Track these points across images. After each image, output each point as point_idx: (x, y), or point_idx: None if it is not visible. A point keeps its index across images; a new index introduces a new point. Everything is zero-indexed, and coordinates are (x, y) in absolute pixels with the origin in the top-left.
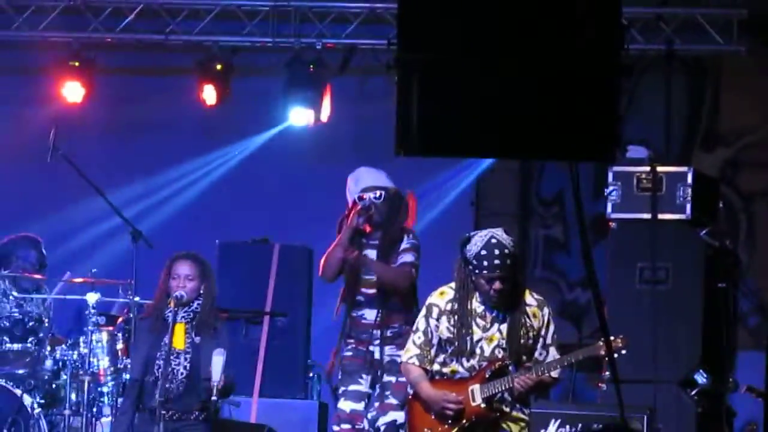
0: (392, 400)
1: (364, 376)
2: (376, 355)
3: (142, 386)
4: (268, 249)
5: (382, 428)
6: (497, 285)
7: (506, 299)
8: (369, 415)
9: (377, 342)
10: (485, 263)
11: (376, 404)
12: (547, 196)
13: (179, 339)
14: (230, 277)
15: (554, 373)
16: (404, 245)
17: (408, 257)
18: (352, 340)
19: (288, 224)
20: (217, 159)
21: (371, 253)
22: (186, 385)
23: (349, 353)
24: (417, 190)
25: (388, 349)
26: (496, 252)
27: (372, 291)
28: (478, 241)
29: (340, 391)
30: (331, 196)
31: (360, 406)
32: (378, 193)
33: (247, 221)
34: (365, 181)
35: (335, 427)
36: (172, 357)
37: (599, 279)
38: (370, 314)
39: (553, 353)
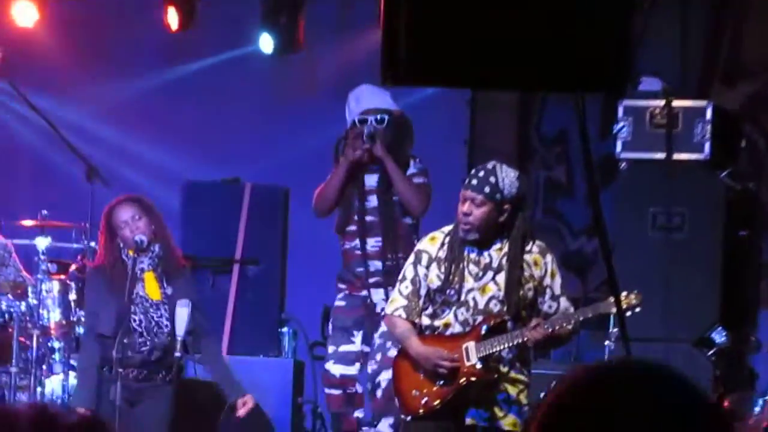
0: (394, 352)
1: (355, 332)
2: (374, 298)
3: (117, 342)
4: (239, 189)
5: (383, 384)
6: (464, 206)
7: (479, 233)
8: (369, 368)
9: (374, 280)
10: (466, 180)
11: (377, 356)
12: (549, 134)
13: (153, 289)
14: (196, 222)
15: (569, 326)
16: (411, 170)
17: (419, 179)
18: (344, 285)
19: (261, 162)
20: (179, 87)
21: (371, 180)
22: (169, 341)
23: (342, 303)
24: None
25: (388, 291)
26: (481, 173)
27: (373, 218)
28: (479, 166)
29: (330, 351)
30: (309, 133)
31: (352, 369)
32: (380, 116)
33: (215, 158)
34: (367, 101)
35: (326, 389)
36: (151, 310)
37: (607, 226)
38: (369, 244)
39: (565, 304)
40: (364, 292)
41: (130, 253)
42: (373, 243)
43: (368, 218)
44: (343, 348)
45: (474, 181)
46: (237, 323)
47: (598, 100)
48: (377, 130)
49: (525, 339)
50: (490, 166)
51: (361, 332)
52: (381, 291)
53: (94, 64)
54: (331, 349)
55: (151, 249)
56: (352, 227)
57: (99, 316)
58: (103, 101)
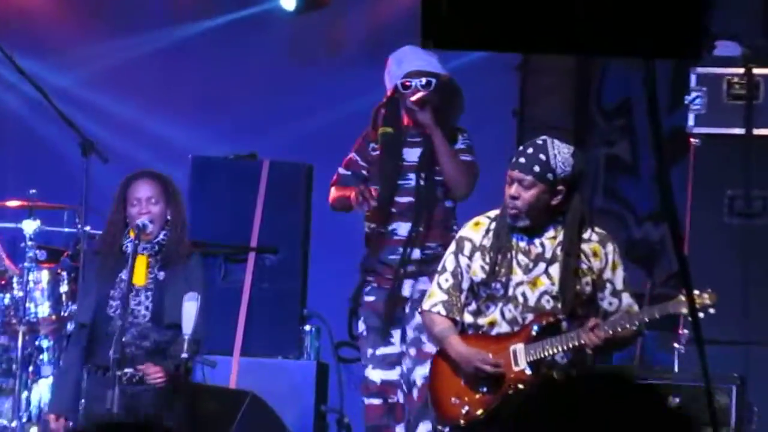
0: (430, 347)
1: (393, 331)
2: (405, 292)
3: (92, 335)
4: (256, 166)
5: (420, 382)
6: (512, 189)
7: (530, 218)
8: (404, 366)
9: (407, 270)
10: (513, 158)
11: (412, 351)
12: (611, 105)
13: (139, 273)
14: (206, 203)
15: (633, 327)
16: (459, 145)
17: (467, 157)
18: (371, 277)
19: (280, 136)
20: (186, 50)
21: (412, 154)
22: (150, 331)
23: (371, 298)
24: None
25: (422, 283)
26: (530, 150)
27: (408, 200)
28: (528, 141)
29: (368, 354)
30: (335, 101)
31: (394, 374)
32: (425, 80)
33: (228, 131)
34: (411, 64)
35: (365, 399)
36: (130, 296)
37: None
38: (402, 229)
39: (628, 301)
40: (396, 284)
41: (131, 234)
42: (408, 228)
43: (403, 199)
44: (382, 350)
45: (522, 160)
46: (252, 320)
47: (667, 67)
48: (422, 91)
49: (581, 342)
50: (540, 141)
51: (399, 330)
52: (410, 282)
53: (89, 23)
54: (368, 352)
55: (156, 234)
56: (391, 209)
57: (83, 304)
58: (101, 65)
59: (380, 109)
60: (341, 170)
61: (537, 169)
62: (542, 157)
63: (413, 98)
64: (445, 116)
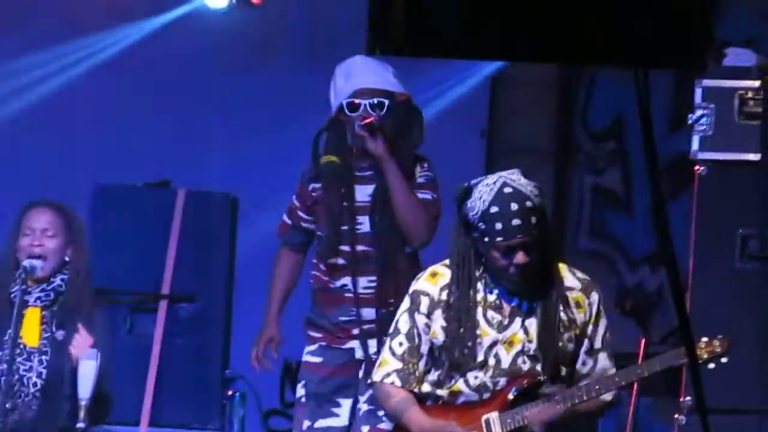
0: (387, 425)
1: (341, 401)
2: (358, 354)
3: None
4: (169, 196)
5: None
6: (520, 257)
7: (533, 280)
8: None
9: (367, 328)
10: (498, 226)
11: (364, 429)
12: (599, 126)
13: (31, 332)
14: (109, 239)
15: (607, 395)
16: (418, 179)
17: (427, 196)
18: (319, 334)
19: (199, 161)
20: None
21: (364, 192)
22: (40, 404)
23: (316, 359)
24: None
25: (379, 344)
26: (514, 206)
27: (366, 248)
28: (484, 192)
29: (305, 427)
30: (269, 121)
31: None
32: (376, 100)
33: (136, 155)
34: (361, 79)
35: None
36: (19, 360)
37: (679, 253)
38: (360, 283)
39: (604, 363)
40: (351, 344)
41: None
42: (365, 283)
43: (359, 248)
44: (322, 423)
45: (516, 222)
46: (163, 382)
47: (669, 78)
48: (373, 115)
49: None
50: (508, 189)
51: (350, 401)
52: (375, 342)
53: None
54: (305, 424)
55: (50, 280)
56: (340, 260)
57: None
58: None
59: (321, 134)
60: (284, 218)
61: (534, 221)
62: (528, 204)
63: (362, 123)
64: (401, 145)
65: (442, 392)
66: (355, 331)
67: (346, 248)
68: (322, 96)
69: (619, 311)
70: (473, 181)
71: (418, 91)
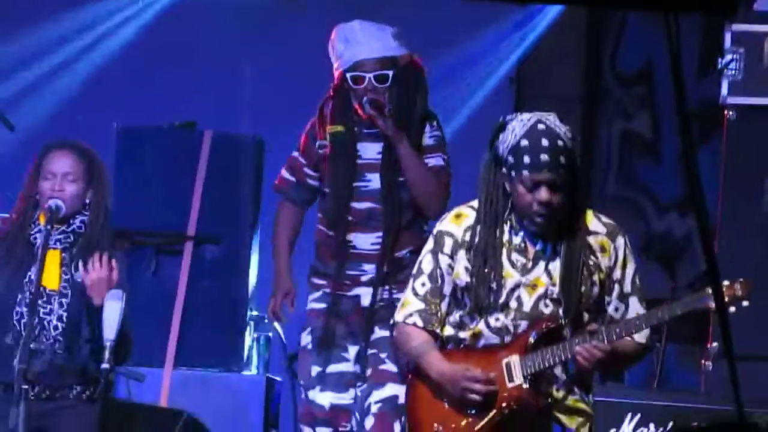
0: (390, 366)
1: (348, 346)
2: (364, 301)
3: None
4: (195, 138)
5: (376, 408)
6: (544, 194)
7: (558, 221)
8: (357, 391)
9: (369, 278)
10: (526, 159)
11: (367, 371)
12: (628, 70)
13: (51, 274)
14: (134, 182)
15: (640, 337)
16: (427, 140)
17: (438, 160)
18: (323, 281)
19: (224, 102)
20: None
21: (370, 150)
22: (61, 347)
23: (320, 305)
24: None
25: (384, 291)
26: (545, 142)
27: (366, 205)
28: (517, 127)
29: (313, 373)
30: (291, 62)
31: (346, 397)
32: (380, 73)
33: (161, 95)
34: (362, 48)
35: (307, 429)
36: (40, 302)
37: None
38: (360, 240)
39: (636, 306)
40: (355, 291)
41: (41, 220)
42: (372, 240)
43: (361, 205)
44: (333, 368)
45: (544, 157)
46: (187, 324)
47: (697, 22)
48: (380, 91)
49: (570, 356)
50: (540, 126)
51: (356, 347)
52: (370, 290)
53: None
54: (314, 370)
55: (70, 222)
56: (347, 217)
57: None
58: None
59: (326, 102)
60: (285, 174)
61: (564, 161)
62: (560, 143)
63: (369, 102)
64: (409, 111)
65: (463, 334)
66: (364, 279)
67: (354, 205)
68: None
69: (646, 257)
70: (508, 117)
71: (449, 33)
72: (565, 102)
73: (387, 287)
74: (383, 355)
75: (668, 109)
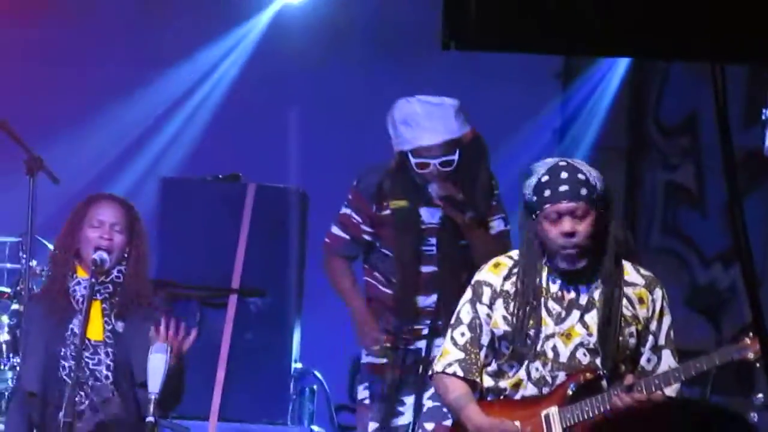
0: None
1: (405, 398)
2: (424, 352)
3: (43, 401)
4: (239, 190)
5: None
6: (567, 224)
7: (593, 268)
8: None
9: (428, 331)
10: (547, 192)
11: (428, 426)
12: (672, 121)
13: (95, 325)
14: (178, 235)
15: (670, 391)
16: (493, 208)
17: (499, 223)
18: (382, 335)
19: (269, 155)
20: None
21: (432, 215)
22: (115, 396)
23: (379, 360)
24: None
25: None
26: (564, 175)
27: (432, 269)
28: (540, 170)
29: (371, 429)
30: (336, 114)
31: None
32: (445, 159)
33: (204, 148)
34: (426, 134)
35: None
36: (86, 355)
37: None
38: (424, 300)
39: (669, 359)
40: (417, 344)
41: (79, 273)
42: (434, 299)
43: (429, 269)
44: (391, 422)
45: (563, 187)
46: (232, 377)
47: (742, 71)
48: (441, 171)
49: (609, 408)
50: (562, 162)
51: (412, 397)
52: (426, 342)
53: (31, 23)
54: (371, 426)
55: (110, 272)
56: (408, 279)
57: (27, 366)
58: (49, 64)
59: (385, 178)
60: (337, 231)
61: (584, 192)
62: (581, 177)
63: (441, 198)
64: (475, 184)
65: (503, 384)
66: (425, 332)
67: (420, 269)
68: (392, 93)
69: (690, 309)
70: (535, 164)
71: (491, 80)
72: (608, 152)
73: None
74: (446, 409)
75: (713, 159)
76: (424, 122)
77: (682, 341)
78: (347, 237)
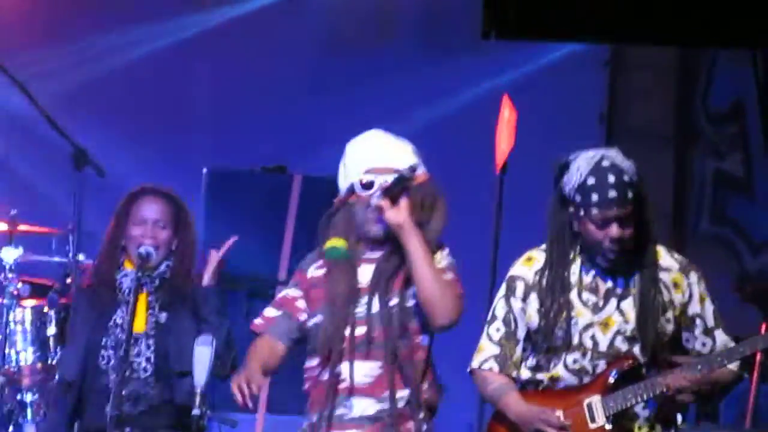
0: None
1: None
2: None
3: (80, 393)
4: (285, 182)
5: None
6: (615, 230)
7: (627, 257)
8: None
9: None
10: (595, 197)
11: None
12: (720, 109)
13: (139, 317)
14: (225, 226)
15: (733, 365)
16: (442, 263)
17: (451, 276)
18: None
19: (317, 146)
20: (199, 43)
21: (365, 272)
22: (155, 384)
23: None
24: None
25: None
26: (611, 178)
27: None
28: (582, 165)
29: None
30: (383, 103)
31: None
32: (393, 177)
33: (250, 140)
34: (374, 158)
35: None
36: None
37: None
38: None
39: (723, 338)
40: None
41: (127, 265)
42: (366, 371)
43: (358, 331)
44: None
45: (612, 193)
46: (281, 369)
47: None
48: (393, 186)
49: (668, 387)
50: (605, 162)
51: None
52: None
53: (82, 13)
54: None
55: (157, 266)
56: (338, 346)
57: (67, 355)
58: (95, 62)
59: (328, 219)
60: (273, 312)
61: (630, 195)
62: (626, 179)
63: (382, 189)
64: (423, 229)
65: (542, 376)
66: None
67: (346, 333)
68: (435, 82)
69: (739, 296)
70: (571, 156)
71: (535, 75)
72: (656, 140)
73: None
74: None
75: (761, 147)
76: (376, 148)
77: (731, 329)
78: (279, 314)
